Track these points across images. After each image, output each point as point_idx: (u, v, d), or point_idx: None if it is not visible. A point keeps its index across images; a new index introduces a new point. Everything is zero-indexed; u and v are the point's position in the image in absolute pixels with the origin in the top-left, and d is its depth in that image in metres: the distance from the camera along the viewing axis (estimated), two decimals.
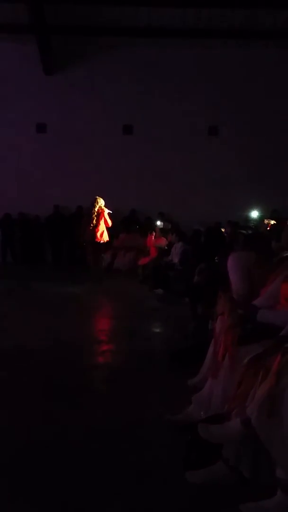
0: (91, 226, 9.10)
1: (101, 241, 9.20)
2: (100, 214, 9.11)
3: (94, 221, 9.06)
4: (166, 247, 9.44)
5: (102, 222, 9.10)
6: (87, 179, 12.43)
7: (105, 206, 9.26)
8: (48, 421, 3.03)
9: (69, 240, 12.72)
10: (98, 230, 9.10)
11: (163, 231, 10.16)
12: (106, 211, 9.19)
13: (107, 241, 9.58)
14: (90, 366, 4.15)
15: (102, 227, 9.12)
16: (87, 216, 9.25)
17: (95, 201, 9.15)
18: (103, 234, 9.17)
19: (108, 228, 9.33)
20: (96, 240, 9.11)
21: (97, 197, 9.22)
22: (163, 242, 9.88)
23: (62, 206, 12.86)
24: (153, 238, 10.33)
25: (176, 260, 8.17)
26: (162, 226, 10.48)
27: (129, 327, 5.59)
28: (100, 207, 9.14)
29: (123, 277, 10.37)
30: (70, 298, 7.53)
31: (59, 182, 12.61)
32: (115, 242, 11.79)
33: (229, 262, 3.27)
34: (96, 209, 9.09)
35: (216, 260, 4.36)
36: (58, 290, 8.47)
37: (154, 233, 10.48)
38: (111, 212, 9.42)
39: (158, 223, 10.84)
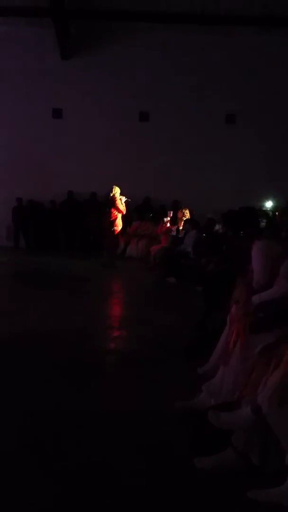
0: (106, 213, 9.23)
1: (116, 228, 9.29)
2: (114, 202, 9.16)
3: (111, 209, 9.18)
4: (174, 234, 9.47)
5: (116, 211, 9.21)
6: (102, 165, 12.44)
7: (121, 194, 9.29)
8: (57, 404, 3.04)
9: (83, 227, 12.81)
10: (113, 218, 9.18)
11: (172, 219, 10.17)
12: (124, 199, 9.26)
13: (121, 229, 9.66)
14: (100, 352, 4.17)
15: (117, 214, 9.22)
16: (104, 204, 9.40)
17: (112, 190, 9.26)
18: (117, 221, 9.23)
19: (122, 216, 9.39)
20: (112, 227, 9.21)
21: (114, 186, 9.28)
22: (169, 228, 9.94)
23: (76, 193, 12.89)
24: (166, 226, 10.32)
25: (189, 248, 8.17)
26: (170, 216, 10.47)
27: (141, 314, 5.63)
28: (114, 195, 9.17)
29: (136, 264, 10.44)
30: (82, 284, 7.59)
31: (73, 168, 12.63)
32: (129, 230, 11.89)
33: (254, 250, 3.22)
34: (112, 197, 9.19)
35: (242, 234, 4.33)
36: (71, 275, 8.56)
37: (166, 221, 10.48)
38: (129, 199, 9.45)
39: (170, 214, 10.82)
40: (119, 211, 9.19)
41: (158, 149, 12.69)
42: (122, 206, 9.19)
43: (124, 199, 9.28)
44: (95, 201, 12.63)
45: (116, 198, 9.19)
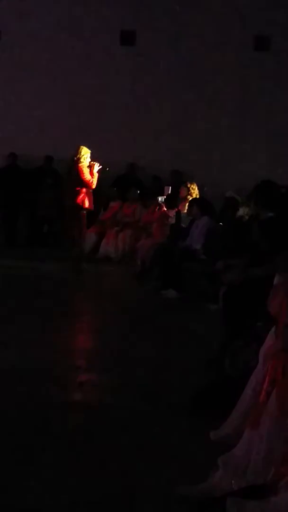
0: (69, 188, 9.35)
1: (83, 208, 9.34)
2: (79, 170, 9.24)
3: (75, 182, 9.28)
4: (173, 222, 9.55)
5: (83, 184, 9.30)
6: (62, 115, 12.48)
7: (92, 159, 9.36)
8: None
9: (30, 209, 12.80)
10: (79, 195, 9.26)
11: (171, 200, 10.23)
12: (96, 167, 9.31)
13: (91, 212, 9.73)
14: (61, 406, 4.17)
15: (84, 190, 9.30)
16: (68, 174, 9.51)
17: (79, 153, 9.32)
18: (85, 199, 9.30)
19: (93, 193, 9.45)
20: (79, 209, 9.30)
21: (82, 147, 9.37)
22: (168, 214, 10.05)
23: (22, 156, 12.87)
24: (161, 209, 10.35)
25: (197, 245, 8.19)
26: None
27: (122, 348, 5.68)
28: (80, 159, 9.26)
29: (115, 269, 10.45)
30: (32, 300, 7.61)
31: (16, 118, 12.65)
32: (103, 215, 11.92)
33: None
34: (81, 164, 9.27)
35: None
36: (14, 284, 8.52)
37: (161, 202, 10.50)
38: (106, 168, 9.47)
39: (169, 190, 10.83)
40: (87, 183, 9.23)
41: (150, 89, 12.71)
42: (88, 176, 9.23)
43: (96, 167, 9.31)
44: (51, 170, 12.62)
45: (82, 164, 9.23)
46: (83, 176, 9.20)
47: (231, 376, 4.22)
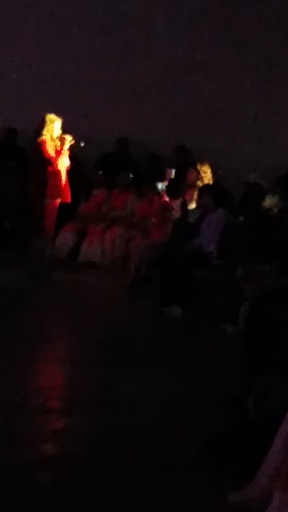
0: (34, 169, 9.55)
1: (51, 201, 9.54)
2: (42, 145, 9.38)
3: (41, 161, 9.39)
4: (178, 216, 9.64)
5: (62, 162, 9.49)
6: (32, 78, 12.75)
7: (64, 131, 9.49)
8: None
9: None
10: (46, 177, 9.41)
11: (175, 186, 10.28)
12: (68, 141, 9.43)
13: (67, 204, 9.90)
14: (28, 464, 4.14)
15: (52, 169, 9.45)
16: (31, 152, 9.77)
17: (42, 122, 9.47)
18: (54, 185, 9.43)
19: (68, 177, 9.62)
20: (43, 195, 9.48)
21: (47, 114, 9.52)
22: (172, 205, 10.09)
23: None
24: (161, 199, 10.37)
25: (210, 245, 8.27)
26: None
27: (110, 383, 5.69)
28: (45, 130, 9.38)
29: (102, 277, 10.51)
30: None
31: None
32: (84, 208, 12.00)
33: None
34: (43, 137, 9.42)
35: None
36: None
37: (161, 190, 10.53)
38: (82, 143, 9.51)
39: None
40: (50, 162, 9.29)
41: (149, 39, 12.91)
42: (52, 153, 9.37)
43: (67, 142, 9.36)
44: (13, 148, 12.71)
45: (44, 137, 9.36)
46: (45, 152, 9.24)
47: (255, 421, 4.21)
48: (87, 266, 11.21)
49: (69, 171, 9.76)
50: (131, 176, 11.91)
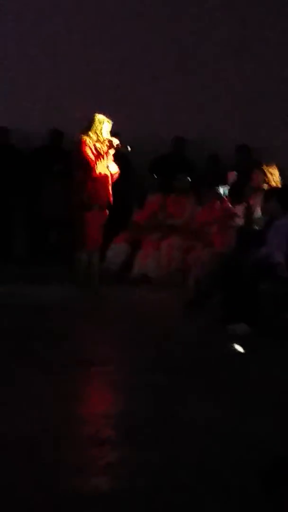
0: (74, 175, 9.58)
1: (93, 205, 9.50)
2: (100, 149, 9.47)
3: (92, 165, 9.44)
4: (242, 223, 9.64)
5: (105, 166, 9.52)
6: (77, 75, 12.86)
7: (114, 133, 9.57)
8: None
9: (31, 208, 13.05)
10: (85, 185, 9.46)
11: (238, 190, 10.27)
12: (115, 142, 9.51)
13: (118, 212, 9.96)
14: (77, 499, 4.07)
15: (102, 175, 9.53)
16: (74, 155, 9.78)
17: (90, 123, 9.52)
18: (95, 194, 9.50)
19: (117, 184, 9.72)
20: (88, 203, 9.50)
21: (96, 114, 9.58)
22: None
23: (18, 133, 13.14)
24: (224, 205, 10.32)
25: (279, 255, 8.25)
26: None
27: (168, 410, 5.67)
28: (92, 131, 9.42)
29: (157, 293, 10.50)
30: (32, 343, 7.71)
31: (12, 79, 13.05)
32: (137, 216, 12.07)
33: None
34: (99, 138, 9.49)
35: None
36: (5, 319, 8.61)
37: (223, 194, 10.48)
38: (127, 148, 9.62)
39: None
40: (90, 165, 9.33)
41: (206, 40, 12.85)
42: (90, 155, 9.35)
43: (115, 144, 9.47)
44: (59, 152, 12.80)
45: (91, 138, 9.36)
46: (83, 154, 9.24)
47: None
48: (141, 280, 11.20)
49: (120, 176, 9.77)
50: (189, 179, 11.86)
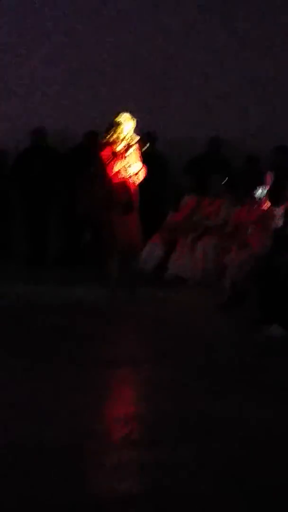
0: (105, 175, 9.42)
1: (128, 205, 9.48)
2: (127, 149, 9.41)
3: (117, 164, 9.37)
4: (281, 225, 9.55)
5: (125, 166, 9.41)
6: (109, 77, 12.88)
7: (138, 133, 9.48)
8: None
9: (66, 208, 13.02)
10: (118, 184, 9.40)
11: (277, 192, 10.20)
12: (135, 140, 9.46)
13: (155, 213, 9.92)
14: (113, 502, 4.07)
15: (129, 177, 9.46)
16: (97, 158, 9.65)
17: (116, 123, 9.42)
18: (111, 196, 9.42)
19: (152, 185, 9.69)
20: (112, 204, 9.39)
21: (120, 113, 9.49)
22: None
23: (53, 132, 13.15)
24: (262, 206, 10.27)
25: None
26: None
27: (202, 410, 5.65)
28: (121, 133, 9.38)
29: (190, 294, 10.49)
30: (63, 343, 7.76)
31: (46, 85, 13.12)
32: (172, 217, 12.04)
33: None
34: (119, 137, 9.41)
35: None
36: (39, 319, 8.67)
37: (261, 197, 10.41)
38: (147, 144, 9.43)
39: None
40: (107, 166, 9.29)
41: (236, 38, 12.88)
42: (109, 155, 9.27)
43: (134, 142, 9.35)
44: (95, 152, 12.69)
45: (112, 138, 9.35)
46: (102, 155, 9.32)
47: None
48: (176, 281, 11.15)
49: (154, 177, 9.72)
50: (226, 180, 11.79)
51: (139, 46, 13.37)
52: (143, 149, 9.61)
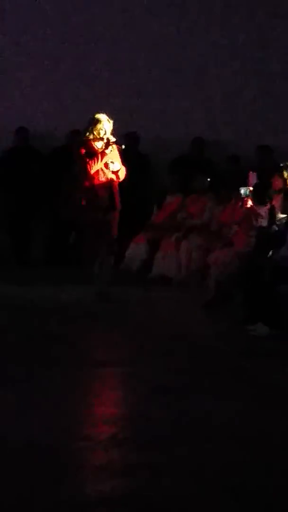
0: (86, 174, 9.38)
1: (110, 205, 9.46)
2: (107, 146, 9.36)
3: (97, 162, 9.33)
4: (263, 224, 9.61)
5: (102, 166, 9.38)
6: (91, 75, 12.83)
7: (115, 133, 9.42)
8: None
9: (50, 209, 13.09)
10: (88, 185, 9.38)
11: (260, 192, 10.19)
12: (111, 141, 9.37)
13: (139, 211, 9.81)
14: (99, 502, 4.06)
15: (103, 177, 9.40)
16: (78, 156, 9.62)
17: (93, 123, 9.43)
18: (92, 196, 9.39)
19: (136, 185, 9.72)
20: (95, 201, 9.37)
21: (96, 114, 9.46)
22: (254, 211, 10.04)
23: (36, 132, 13.12)
24: (245, 205, 10.31)
25: None
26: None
27: (192, 414, 5.62)
28: (101, 130, 9.36)
29: (175, 292, 10.48)
30: (49, 344, 7.73)
31: (30, 80, 13.08)
32: (157, 216, 12.08)
33: None
34: (99, 134, 9.39)
35: None
36: (25, 320, 8.66)
37: (244, 196, 10.43)
38: (123, 146, 9.44)
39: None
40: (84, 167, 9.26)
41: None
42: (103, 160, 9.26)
43: (111, 142, 9.31)
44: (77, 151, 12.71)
45: (89, 138, 9.33)
46: (78, 155, 9.29)
47: None
48: (161, 281, 11.15)
49: (138, 176, 9.72)
50: (208, 180, 11.80)
51: (128, 49, 13.34)
52: (121, 149, 9.59)
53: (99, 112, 9.46)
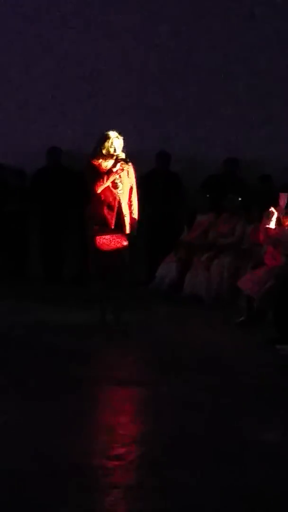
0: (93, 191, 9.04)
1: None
2: (115, 164, 9.01)
3: (105, 180, 8.96)
4: None
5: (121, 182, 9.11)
6: (126, 94, 12.81)
7: (128, 154, 9.18)
8: None
9: (82, 230, 12.89)
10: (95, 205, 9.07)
11: None
12: (121, 158, 9.09)
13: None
14: None
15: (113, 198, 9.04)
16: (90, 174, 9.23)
17: (104, 138, 9.11)
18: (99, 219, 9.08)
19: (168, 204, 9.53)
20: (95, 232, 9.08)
21: (107, 132, 9.15)
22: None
23: (71, 151, 13.20)
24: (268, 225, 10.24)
25: None
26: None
27: (230, 431, 5.62)
28: (111, 147, 9.04)
29: (206, 311, 10.48)
30: (61, 362, 7.72)
31: (62, 104, 13.21)
32: (187, 235, 12.07)
33: None
34: (109, 152, 9.04)
35: None
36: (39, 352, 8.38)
37: (275, 214, 10.38)
38: (128, 163, 9.19)
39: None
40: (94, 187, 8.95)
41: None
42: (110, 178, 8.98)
43: (121, 160, 9.01)
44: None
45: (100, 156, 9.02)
46: (89, 174, 9.08)
47: None
48: (192, 300, 11.14)
49: (169, 195, 9.66)
50: (240, 199, 11.78)
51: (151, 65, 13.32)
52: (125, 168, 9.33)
53: (108, 131, 9.21)
